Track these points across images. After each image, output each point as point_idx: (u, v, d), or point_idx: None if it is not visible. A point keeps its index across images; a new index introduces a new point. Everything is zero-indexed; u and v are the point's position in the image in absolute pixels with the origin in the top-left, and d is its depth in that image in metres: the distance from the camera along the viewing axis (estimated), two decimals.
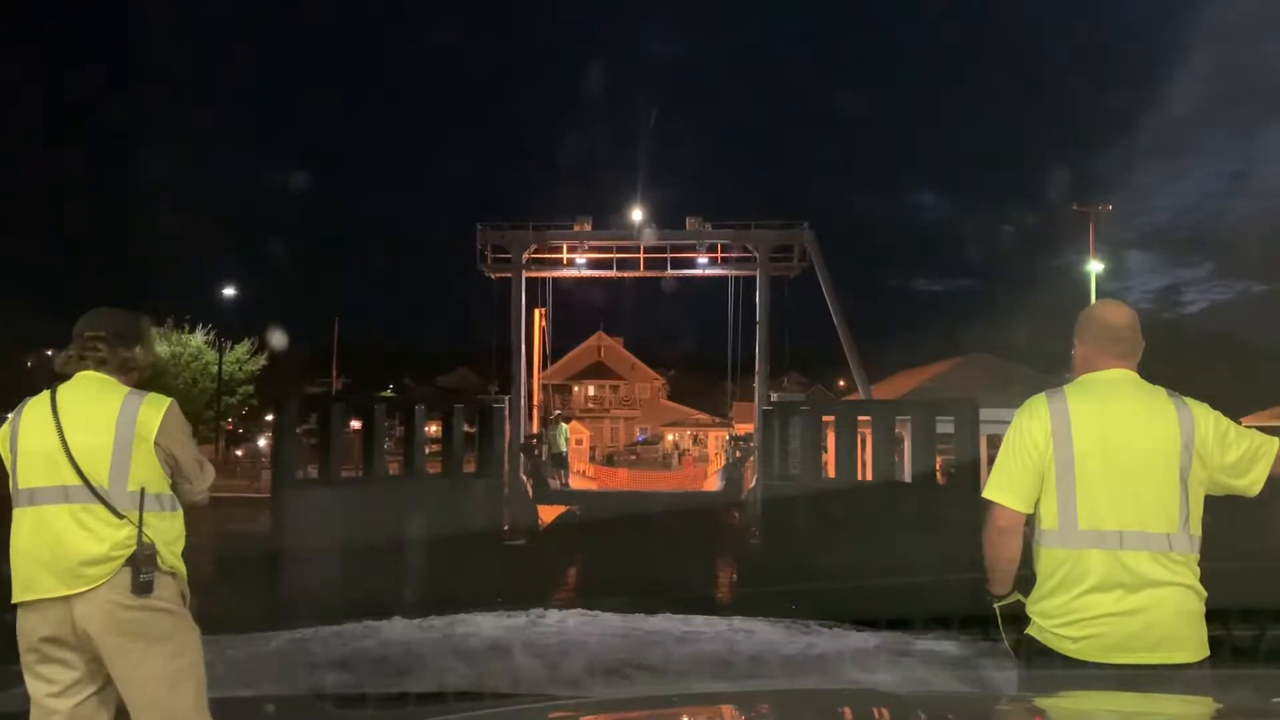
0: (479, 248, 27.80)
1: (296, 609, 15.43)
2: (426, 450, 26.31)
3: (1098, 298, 29.21)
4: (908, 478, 20.43)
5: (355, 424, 25.19)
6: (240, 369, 47.15)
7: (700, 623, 16.26)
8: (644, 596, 16.97)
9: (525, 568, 22.16)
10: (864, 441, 21.87)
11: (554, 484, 28.11)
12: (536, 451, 27.73)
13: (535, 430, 29.63)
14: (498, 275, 28.18)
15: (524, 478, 26.45)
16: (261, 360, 47.61)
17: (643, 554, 19.82)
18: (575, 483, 32.00)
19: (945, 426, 19.59)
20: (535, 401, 32.08)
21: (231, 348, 46.40)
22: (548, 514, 27.80)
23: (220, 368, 44.85)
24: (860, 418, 21.93)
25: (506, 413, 25.21)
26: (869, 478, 20.64)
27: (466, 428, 24.83)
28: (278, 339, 44.82)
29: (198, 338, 45.97)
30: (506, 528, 24.36)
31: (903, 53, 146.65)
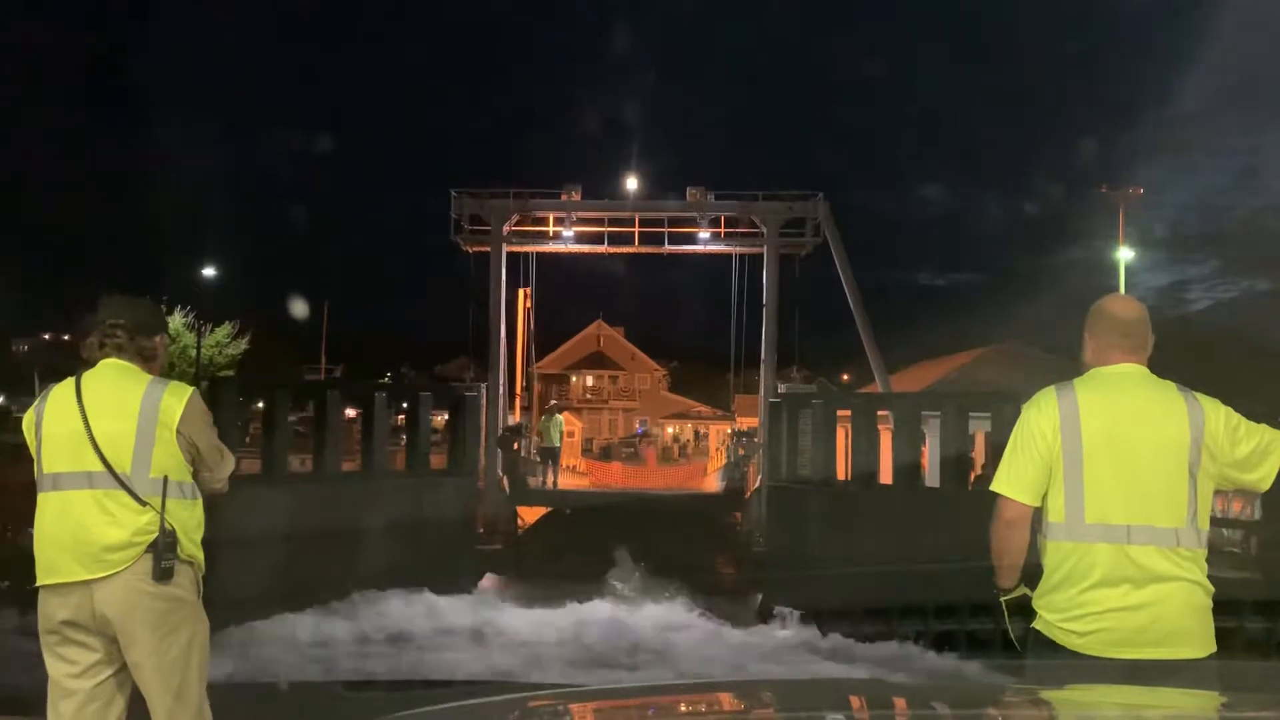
0: (454, 217, 25.30)
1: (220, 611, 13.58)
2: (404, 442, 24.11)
3: (1125, 283, 27.19)
4: (935, 481, 18.07)
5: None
6: (220, 353, 45.03)
7: None
8: None
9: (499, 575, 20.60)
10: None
11: (534, 483, 25.73)
12: (515, 446, 25.14)
13: (514, 422, 27.06)
14: (475, 248, 25.64)
15: (500, 474, 23.93)
16: (243, 344, 45.55)
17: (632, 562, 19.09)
18: (565, 478, 29.61)
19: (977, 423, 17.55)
20: (518, 390, 29.54)
21: (212, 330, 44.32)
22: (529, 515, 25.48)
23: (199, 351, 42.68)
24: (881, 412, 19.48)
25: (483, 402, 22.60)
26: (889, 480, 18.24)
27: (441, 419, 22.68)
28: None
29: (176, 319, 43.91)
30: (481, 531, 22.03)
31: (926, 36, 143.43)
